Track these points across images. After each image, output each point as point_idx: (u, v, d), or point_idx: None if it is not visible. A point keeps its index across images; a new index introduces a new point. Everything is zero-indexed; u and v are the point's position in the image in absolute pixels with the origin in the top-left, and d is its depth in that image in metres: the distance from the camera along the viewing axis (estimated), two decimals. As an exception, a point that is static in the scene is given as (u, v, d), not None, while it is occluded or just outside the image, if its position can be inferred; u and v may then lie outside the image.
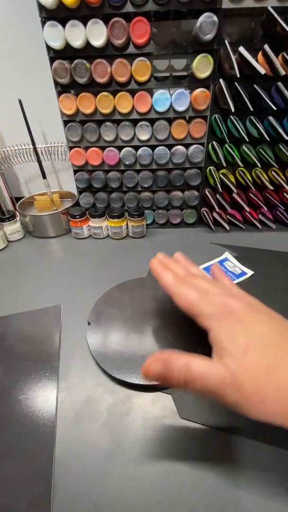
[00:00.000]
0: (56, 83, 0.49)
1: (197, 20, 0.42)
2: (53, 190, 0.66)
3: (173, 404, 0.30)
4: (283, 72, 0.43)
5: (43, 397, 0.32)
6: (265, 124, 0.50)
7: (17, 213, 0.62)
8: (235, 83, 0.46)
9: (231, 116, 0.49)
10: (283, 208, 0.59)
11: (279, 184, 0.55)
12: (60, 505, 0.24)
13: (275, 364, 0.21)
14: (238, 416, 0.29)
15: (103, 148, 0.55)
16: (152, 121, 0.52)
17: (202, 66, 0.45)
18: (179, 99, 0.49)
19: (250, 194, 0.58)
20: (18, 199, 0.67)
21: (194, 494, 0.24)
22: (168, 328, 0.37)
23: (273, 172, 0.55)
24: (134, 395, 0.31)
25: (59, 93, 0.50)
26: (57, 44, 0.45)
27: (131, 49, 0.46)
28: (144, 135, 0.52)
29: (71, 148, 0.56)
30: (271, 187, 0.55)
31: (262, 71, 0.42)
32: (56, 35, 0.44)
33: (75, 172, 0.59)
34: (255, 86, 0.46)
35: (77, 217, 0.59)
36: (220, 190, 0.56)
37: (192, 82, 0.48)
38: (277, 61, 0.42)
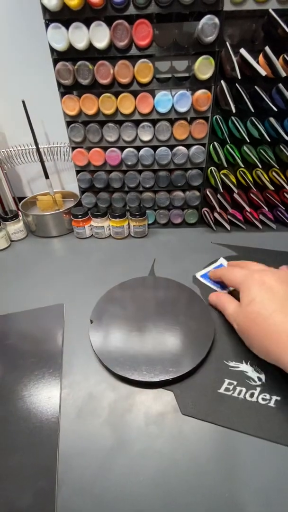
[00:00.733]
0: (59, 84, 0.50)
1: (199, 22, 0.42)
2: (55, 190, 0.66)
3: (175, 400, 0.31)
4: (284, 74, 0.43)
5: (47, 394, 0.32)
6: (266, 125, 0.50)
7: (20, 213, 0.63)
8: (236, 84, 0.46)
9: (232, 117, 0.50)
10: (284, 208, 0.59)
11: (279, 184, 0.55)
12: (64, 499, 0.24)
13: (267, 315, 0.30)
14: (238, 413, 0.29)
15: (105, 149, 0.55)
16: (154, 122, 0.52)
17: (204, 67, 0.46)
18: (180, 100, 0.49)
19: (251, 194, 0.58)
20: (20, 199, 0.68)
21: (195, 488, 0.25)
22: (168, 325, 0.38)
23: (273, 173, 0.55)
24: (136, 392, 0.32)
25: (62, 94, 0.51)
26: (60, 46, 0.45)
27: (133, 51, 0.46)
28: (146, 136, 0.53)
29: (73, 148, 0.56)
30: (271, 188, 0.55)
31: (263, 72, 0.43)
32: (60, 37, 0.45)
33: (78, 172, 0.59)
34: (256, 87, 0.46)
35: (79, 217, 0.59)
36: (221, 190, 0.56)
37: (193, 83, 0.49)
38: (278, 63, 0.43)
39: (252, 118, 0.49)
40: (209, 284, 0.46)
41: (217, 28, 0.42)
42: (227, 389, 0.31)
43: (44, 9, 0.43)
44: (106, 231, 0.61)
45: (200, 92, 0.48)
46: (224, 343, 0.36)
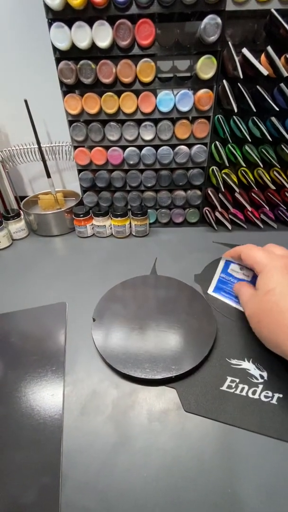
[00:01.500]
0: (62, 84, 0.50)
1: (201, 22, 0.42)
2: (57, 189, 0.67)
3: (178, 397, 0.31)
4: (285, 74, 0.43)
5: (50, 391, 0.32)
6: (268, 125, 0.50)
7: (22, 212, 0.63)
8: (238, 84, 0.46)
9: (234, 117, 0.50)
10: (285, 208, 0.59)
11: (281, 184, 0.55)
12: (68, 495, 0.25)
13: (285, 308, 0.28)
14: (240, 410, 0.30)
15: (107, 148, 0.55)
16: (156, 121, 0.53)
17: (206, 67, 0.46)
18: (182, 99, 0.49)
19: (252, 194, 0.58)
20: (22, 198, 0.68)
21: (198, 484, 0.25)
22: (170, 323, 0.38)
23: (275, 172, 0.55)
24: (139, 389, 0.32)
25: (65, 93, 0.51)
26: (63, 45, 0.45)
27: (136, 50, 0.46)
28: (148, 135, 0.53)
29: (75, 147, 0.56)
30: (273, 187, 0.55)
31: (265, 72, 0.43)
32: (62, 36, 0.45)
33: (79, 171, 0.59)
34: (257, 87, 0.46)
35: (81, 216, 0.59)
36: (223, 190, 0.57)
37: (195, 83, 0.49)
38: (280, 63, 0.43)
39: (254, 117, 0.49)
40: (224, 299, 0.42)
41: (219, 28, 0.43)
42: (229, 387, 0.31)
43: (47, 8, 0.44)
44: (107, 230, 0.61)
45: (202, 91, 0.49)
46: (226, 341, 0.36)
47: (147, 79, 0.48)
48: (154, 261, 0.53)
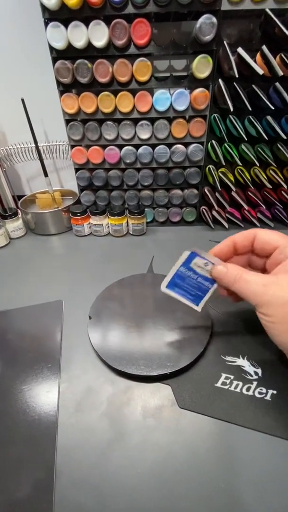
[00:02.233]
0: (59, 83, 0.50)
1: (197, 22, 0.43)
2: (54, 188, 0.67)
3: (172, 394, 0.31)
4: (281, 73, 0.43)
5: (46, 388, 0.32)
6: (263, 124, 0.50)
7: (19, 211, 0.63)
8: (234, 83, 0.47)
9: (230, 116, 0.50)
10: (281, 207, 0.60)
11: (277, 182, 0.55)
12: (62, 491, 0.25)
13: None
14: (234, 406, 0.30)
15: (104, 147, 0.56)
16: (152, 120, 0.53)
17: (202, 66, 0.46)
18: (179, 98, 0.49)
19: (249, 193, 0.59)
20: (20, 197, 0.68)
21: (192, 480, 0.25)
22: (166, 320, 0.38)
23: (271, 171, 0.56)
24: (134, 386, 0.32)
25: (61, 93, 0.51)
26: (59, 45, 0.46)
27: (132, 50, 0.47)
28: (144, 134, 0.53)
29: (72, 146, 0.57)
30: (269, 186, 0.56)
31: (260, 71, 0.43)
32: (59, 36, 0.45)
33: (77, 170, 0.59)
34: (253, 86, 0.46)
35: (78, 214, 0.60)
36: (219, 189, 0.57)
37: (191, 82, 0.49)
38: (275, 62, 0.43)
39: (250, 116, 0.50)
40: (179, 297, 0.34)
41: (215, 28, 0.43)
42: (224, 383, 0.32)
43: (44, 8, 0.44)
44: (105, 229, 0.62)
45: (198, 90, 0.49)
46: (221, 338, 0.37)
47: (143, 78, 0.48)
48: (151, 259, 0.53)
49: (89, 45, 0.46)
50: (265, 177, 0.55)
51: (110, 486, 0.25)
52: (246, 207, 0.59)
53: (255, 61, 0.44)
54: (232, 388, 0.31)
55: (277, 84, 0.46)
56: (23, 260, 0.56)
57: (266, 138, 0.50)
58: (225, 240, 0.31)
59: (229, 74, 0.45)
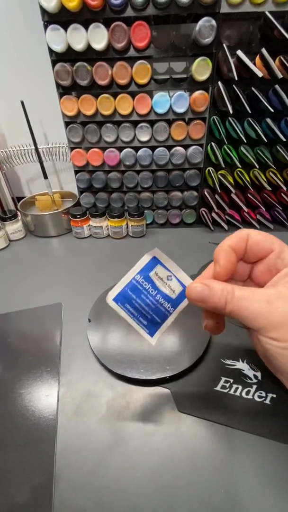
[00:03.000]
0: (58, 85, 0.50)
1: (196, 24, 0.43)
2: (54, 190, 0.67)
3: (172, 398, 0.31)
4: (280, 75, 0.43)
5: (45, 392, 0.32)
6: (263, 126, 0.50)
7: (19, 213, 0.63)
8: (233, 85, 0.47)
9: (230, 118, 0.50)
10: (281, 209, 0.60)
11: (276, 184, 0.55)
12: (62, 495, 0.25)
13: None
14: (234, 410, 0.30)
15: (103, 149, 0.56)
16: (152, 123, 0.53)
17: (201, 69, 0.46)
18: (178, 101, 0.50)
19: (248, 195, 0.59)
20: (19, 199, 0.68)
21: (192, 484, 0.25)
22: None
23: (270, 173, 0.56)
24: (134, 390, 0.32)
25: (61, 95, 0.51)
26: (59, 47, 0.46)
27: (131, 52, 0.47)
28: (144, 136, 0.53)
29: (72, 149, 0.57)
30: (269, 188, 0.56)
31: (260, 74, 0.43)
32: (58, 39, 0.45)
33: (76, 172, 0.59)
34: (253, 88, 0.46)
35: (78, 216, 0.60)
36: (219, 191, 0.57)
37: (191, 84, 0.49)
38: (274, 65, 0.43)
39: (249, 119, 0.50)
40: (127, 318, 0.25)
41: (214, 30, 0.43)
42: (223, 387, 0.32)
43: (43, 10, 0.44)
44: (104, 231, 0.62)
45: (197, 93, 0.49)
46: (221, 342, 0.37)
47: (143, 80, 0.48)
48: (150, 261, 0.53)
49: (89, 48, 0.46)
50: (265, 179, 0.55)
51: (109, 490, 0.25)
52: (245, 209, 0.59)
53: (254, 63, 0.44)
54: (231, 392, 0.31)
55: (277, 86, 0.46)
56: (22, 262, 0.56)
57: (266, 140, 0.50)
58: (221, 251, 0.22)
59: (228, 76, 0.45)
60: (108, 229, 0.62)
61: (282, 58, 0.43)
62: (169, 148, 0.55)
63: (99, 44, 0.45)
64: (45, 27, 0.45)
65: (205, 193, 0.59)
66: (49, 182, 0.63)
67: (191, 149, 0.54)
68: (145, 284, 0.23)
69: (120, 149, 0.55)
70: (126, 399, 0.31)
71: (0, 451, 0.28)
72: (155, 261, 0.23)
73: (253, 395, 0.31)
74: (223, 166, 0.54)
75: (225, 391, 0.31)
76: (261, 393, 0.31)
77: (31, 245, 0.62)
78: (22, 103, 0.53)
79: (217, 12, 0.43)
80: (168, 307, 0.24)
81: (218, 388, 0.32)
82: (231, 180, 0.57)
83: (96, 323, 0.39)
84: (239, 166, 0.54)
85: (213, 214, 0.61)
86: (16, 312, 0.43)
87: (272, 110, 0.46)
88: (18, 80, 0.59)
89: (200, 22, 0.42)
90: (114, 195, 0.61)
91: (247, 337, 0.37)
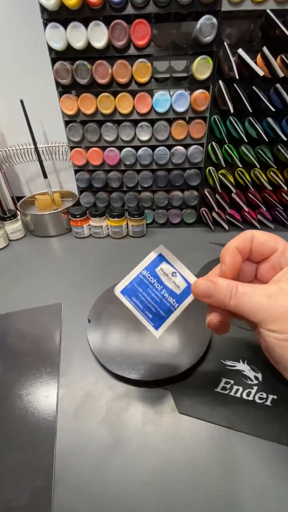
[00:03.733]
0: (58, 84, 0.50)
1: (197, 22, 0.42)
2: (54, 189, 0.67)
3: (172, 399, 0.31)
4: (281, 74, 0.43)
5: (44, 393, 0.32)
6: (264, 125, 0.50)
7: (18, 212, 0.63)
8: (234, 84, 0.46)
9: (230, 117, 0.50)
10: (282, 208, 0.59)
11: (277, 184, 0.55)
12: (61, 498, 0.24)
13: None
14: (234, 412, 0.30)
15: (103, 148, 0.55)
16: (152, 122, 0.52)
17: (202, 67, 0.46)
18: (179, 100, 0.49)
19: (249, 194, 0.58)
20: (19, 198, 0.68)
21: (192, 487, 0.25)
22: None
23: (271, 173, 0.55)
24: (134, 391, 0.32)
25: (61, 94, 0.51)
26: (58, 46, 0.45)
27: (131, 51, 0.46)
28: (144, 136, 0.53)
29: (72, 148, 0.56)
30: (269, 188, 0.55)
31: (261, 73, 0.43)
32: (58, 37, 0.45)
33: (76, 171, 0.59)
34: (254, 87, 0.46)
35: (78, 216, 0.59)
36: (219, 190, 0.57)
37: (192, 83, 0.49)
38: (276, 63, 0.43)
39: (250, 118, 0.49)
40: (134, 311, 0.25)
41: (215, 28, 0.43)
42: (224, 388, 0.31)
43: (42, 8, 0.43)
44: (104, 230, 0.61)
45: (198, 92, 0.48)
46: (221, 342, 0.36)
47: (143, 79, 0.48)
48: (150, 261, 0.53)
49: (89, 46, 0.45)
50: (266, 179, 0.55)
51: (109, 493, 0.25)
52: (246, 208, 0.59)
53: (255, 62, 0.44)
54: (232, 393, 0.31)
55: (278, 85, 0.45)
56: (22, 262, 0.56)
57: (267, 140, 0.49)
58: (227, 251, 0.23)
59: (229, 75, 0.45)
60: (108, 228, 0.61)
61: (283, 56, 0.43)
62: (169, 147, 0.54)
63: (99, 42, 0.44)
64: (45, 25, 0.44)
65: (206, 192, 0.59)
66: (48, 181, 0.62)
67: (191, 148, 0.54)
68: (151, 279, 0.25)
69: (120, 148, 0.55)
70: (126, 400, 0.31)
71: (-1, 453, 0.27)
72: (161, 258, 0.25)
73: (254, 397, 0.30)
74: (224, 165, 0.54)
75: (226, 392, 0.31)
76: (262, 394, 0.31)
77: (30, 245, 0.61)
78: (22, 102, 0.53)
79: (218, 10, 0.42)
80: (173, 302, 0.25)
81: (218, 389, 0.31)
82: (232, 180, 0.56)
83: (96, 323, 0.39)
84: (240, 165, 0.54)
85: (214, 214, 0.61)
86: (15, 312, 0.43)
87: (273, 109, 0.46)
88: (18, 78, 0.59)
89: (201, 20, 0.42)
90: (114, 195, 0.61)
91: (248, 338, 0.37)
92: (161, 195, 0.60)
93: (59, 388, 0.33)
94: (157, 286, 0.25)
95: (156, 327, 0.25)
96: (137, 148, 0.55)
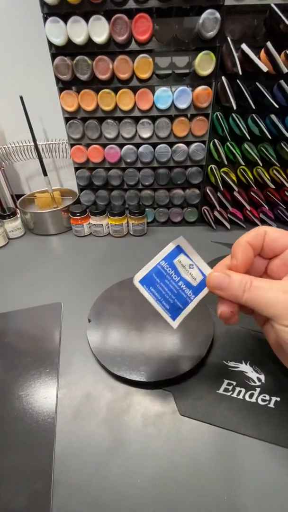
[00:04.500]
0: (58, 80, 0.49)
1: (200, 17, 0.42)
2: (54, 187, 0.66)
3: (173, 401, 0.30)
4: (285, 70, 0.42)
5: (43, 393, 0.32)
6: (267, 122, 0.49)
7: (18, 211, 0.62)
8: (237, 80, 0.46)
9: (233, 114, 0.49)
10: (284, 207, 0.59)
11: (280, 182, 0.54)
12: (60, 501, 0.24)
13: None
14: (237, 414, 0.29)
15: (104, 146, 0.55)
16: (153, 119, 0.52)
17: (204, 63, 0.45)
18: (181, 96, 0.48)
19: (251, 193, 0.58)
20: (18, 196, 0.67)
21: (194, 490, 0.24)
22: (167, 325, 0.37)
23: (274, 171, 0.55)
24: (134, 392, 0.31)
25: (61, 90, 0.50)
26: (59, 40, 0.44)
27: (133, 46, 0.45)
28: (145, 133, 0.52)
29: (72, 145, 0.56)
30: (272, 186, 0.55)
31: (265, 68, 0.42)
32: (58, 31, 0.44)
33: (76, 169, 0.58)
34: (257, 83, 0.45)
35: (78, 214, 0.59)
36: (221, 189, 0.56)
37: (194, 79, 0.48)
38: (280, 59, 0.42)
39: (253, 115, 0.49)
40: (151, 300, 0.26)
41: (218, 23, 0.42)
42: (226, 390, 0.31)
43: (42, 2, 0.43)
44: (104, 229, 0.61)
45: (200, 88, 0.48)
46: (224, 343, 0.36)
47: (144, 75, 0.47)
48: (151, 260, 0.52)
49: (89, 41, 0.45)
50: (268, 177, 0.54)
51: (109, 496, 0.24)
52: (248, 207, 0.58)
53: (259, 58, 0.43)
54: (234, 395, 0.30)
55: (282, 81, 0.45)
56: (22, 261, 0.55)
57: (270, 137, 0.49)
58: (239, 246, 0.24)
59: (232, 71, 0.44)
60: (108, 227, 0.61)
61: (287, 52, 0.42)
62: (171, 144, 0.54)
63: (100, 37, 0.44)
64: (45, 19, 0.44)
65: (207, 191, 0.58)
66: (48, 179, 0.62)
67: (193, 146, 0.53)
68: (169, 270, 0.25)
69: (121, 145, 0.54)
70: (126, 401, 0.31)
71: (-3, 455, 0.27)
72: (179, 250, 0.26)
73: (256, 399, 0.30)
74: (226, 163, 0.53)
75: (228, 394, 0.31)
76: (264, 396, 0.30)
77: (30, 243, 0.61)
78: (21, 98, 0.52)
79: (222, 4, 0.41)
80: (189, 294, 0.25)
81: (220, 391, 0.31)
82: (234, 178, 0.56)
83: (96, 323, 0.38)
84: (242, 163, 0.53)
85: (215, 213, 0.60)
86: (14, 311, 0.43)
87: (277, 106, 0.45)
88: (17, 74, 0.58)
89: (204, 15, 0.41)
90: (114, 193, 0.60)
91: (250, 339, 0.37)
92: (162, 193, 0.59)
93: (59, 389, 0.32)
94: (175, 277, 0.25)
95: (173, 318, 0.26)
96: (138, 145, 0.54)
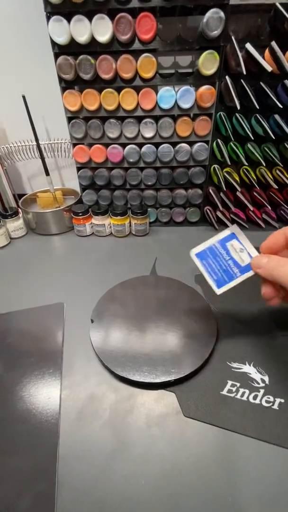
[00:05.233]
0: (61, 79, 0.49)
1: (204, 16, 0.41)
2: (56, 187, 0.66)
3: (177, 402, 0.30)
4: (290, 70, 0.42)
5: (46, 394, 0.32)
6: (271, 122, 0.49)
7: (20, 210, 0.62)
8: (241, 80, 0.45)
9: (237, 114, 0.49)
10: (287, 207, 0.58)
11: (283, 183, 0.54)
12: (64, 503, 0.24)
13: None
14: (241, 415, 0.29)
15: (107, 145, 0.54)
16: (156, 118, 0.52)
17: (208, 62, 0.45)
18: (184, 96, 0.48)
19: (254, 193, 0.58)
20: (20, 196, 0.67)
21: (198, 492, 0.24)
22: (170, 325, 0.37)
23: (277, 171, 0.54)
24: (138, 393, 0.31)
25: (63, 89, 0.50)
26: (62, 40, 0.44)
27: (136, 45, 0.45)
28: (148, 132, 0.52)
29: (74, 145, 0.55)
30: (275, 186, 0.54)
31: (269, 68, 0.42)
32: (61, 30, 0.44)
33: (78, 169, 0.58)
34: (261, 83, 0.45)
35: (80, 214, 0.58)
36: (224, 189, 0.56)
37: (197, 79, 0.48)
38: (284, 59, 0.42)
39: (257, 115, 0.48)
40: (202, 269, 0.32)
41: (223, 22, 0.42)
42: (230, 391, 0.31)
43: (46, 1, 0.42)
44: (107, 229, 0.60)
45: (204, 88, 0.47)
46: (227, 344, 0.36)
47: (147, 75, 0.47)
48: (154, 261, 0.52)
49: (92, 40, 0.44)
50: (271, 177, 0.54)
51: (113, 498, 0.24)
52: (251, 207, 0.58)
53: (263, 57, 0.43)
54: (238, 396, 0.30)
55: (286, 81, 0.44)
56: (24, 260, 0.55)
57: (273, 137, 0.48)
58: (277, 232, 0.29)
59: (236, 71, 0.44)
60: (110, 227, 0.61)
61: (292, 51, 0.42)
62: (173, 144, 0.53)
63: (103, 36, 0.43)
64: (48, 18, 0.43)
65: (210, 191, 0.58)
66: (50, 179, 0.61)
67: (196, 145, 0.53)
68: (221, 250, 0.32)
69: (124, 145, 0.54)
70: (129, 402, 0.31)
71: (0, 456, 0.27)
72: (232, 236, 0.31)
73: (260, 400, 0.30)
74: (229, 163, 0.53)
75: (232, 395, 0.30)
76: (268, 397, 0.30)
77: (32, 243, 0.61)
78: (24, 97, 0.52)
79: (226, 3, 0.41)
80: (236, 272, 0.31)
81: (224, 392, 0.31)
82: (237, 178, 0.55)
83: (99, 323, 0.38)
84: (246, 163, 0.53)
85: (218, 213, 0.60)
86: (16, 311, 0.42)
87: (281, 106, 0.45)
88: (20, 73, 0.58)
89: (208, 14, 0.41)
90: (117, 193, 0.60)
91: (254, 340, 0.36)
92: (165, 193, 0.59)
93: (62, 390, 0.32)
94: (225, 257, 0.31)
95: (218, 287, 0.31)
96: (140, 145, 0.54)
